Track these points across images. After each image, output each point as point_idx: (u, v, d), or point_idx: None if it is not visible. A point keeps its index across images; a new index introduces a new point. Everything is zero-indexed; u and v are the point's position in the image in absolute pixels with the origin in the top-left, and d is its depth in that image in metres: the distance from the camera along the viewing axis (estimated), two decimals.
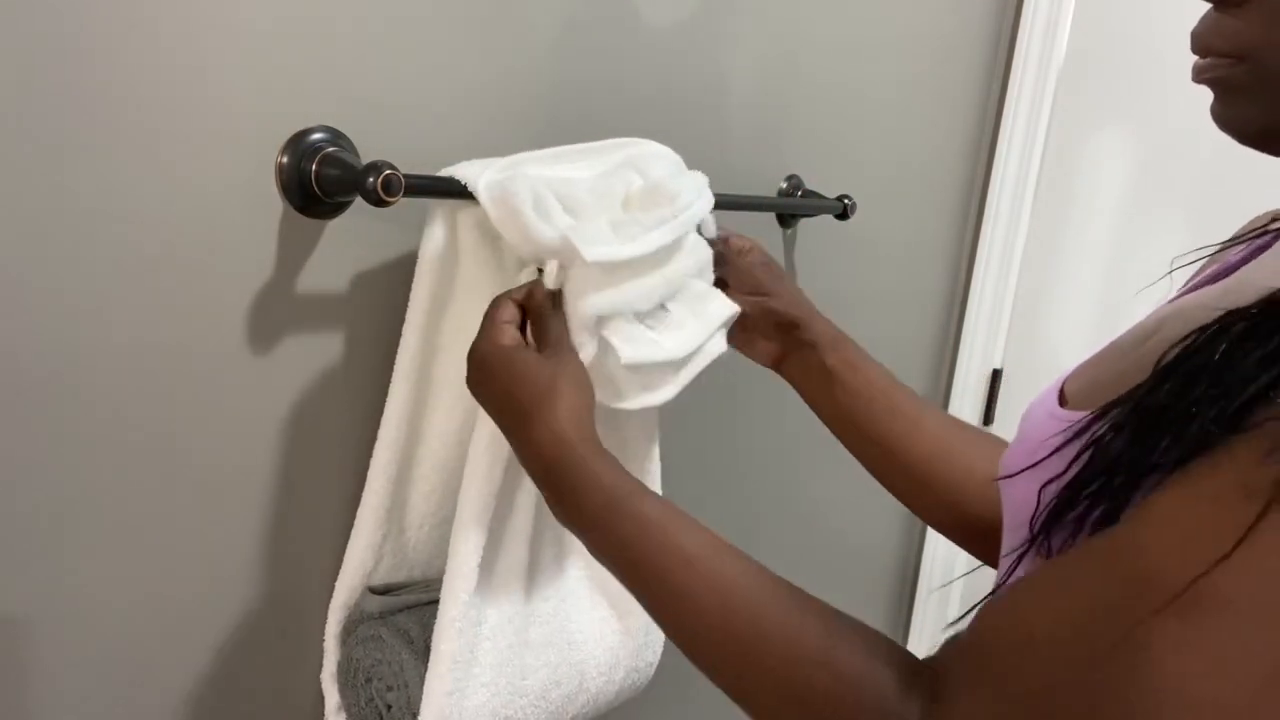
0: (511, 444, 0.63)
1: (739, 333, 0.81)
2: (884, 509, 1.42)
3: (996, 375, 1.44)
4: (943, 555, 1.48)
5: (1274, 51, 0.42)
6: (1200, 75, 0.46)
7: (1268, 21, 0.42)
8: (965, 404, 1.45)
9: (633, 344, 0.66)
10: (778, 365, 0.83)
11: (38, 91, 0.56)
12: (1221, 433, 0.36)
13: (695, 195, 0.72)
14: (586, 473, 0.57)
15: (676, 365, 0.70)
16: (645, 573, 0.54)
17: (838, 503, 1.32)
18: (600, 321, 0.66)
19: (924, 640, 1.52)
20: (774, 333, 0.81)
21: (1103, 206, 1.35)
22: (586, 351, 0.65)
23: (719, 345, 0.75)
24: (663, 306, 0.70)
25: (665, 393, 0.70)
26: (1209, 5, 0.45)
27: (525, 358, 0.62)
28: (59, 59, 0.56)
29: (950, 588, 1.49)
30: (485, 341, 0.64)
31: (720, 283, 0.78)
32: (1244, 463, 0.35)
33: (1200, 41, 0.46)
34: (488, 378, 0.63)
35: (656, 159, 0.75)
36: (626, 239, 0.65)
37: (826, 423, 0.81)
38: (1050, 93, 1.32)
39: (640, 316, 0.69)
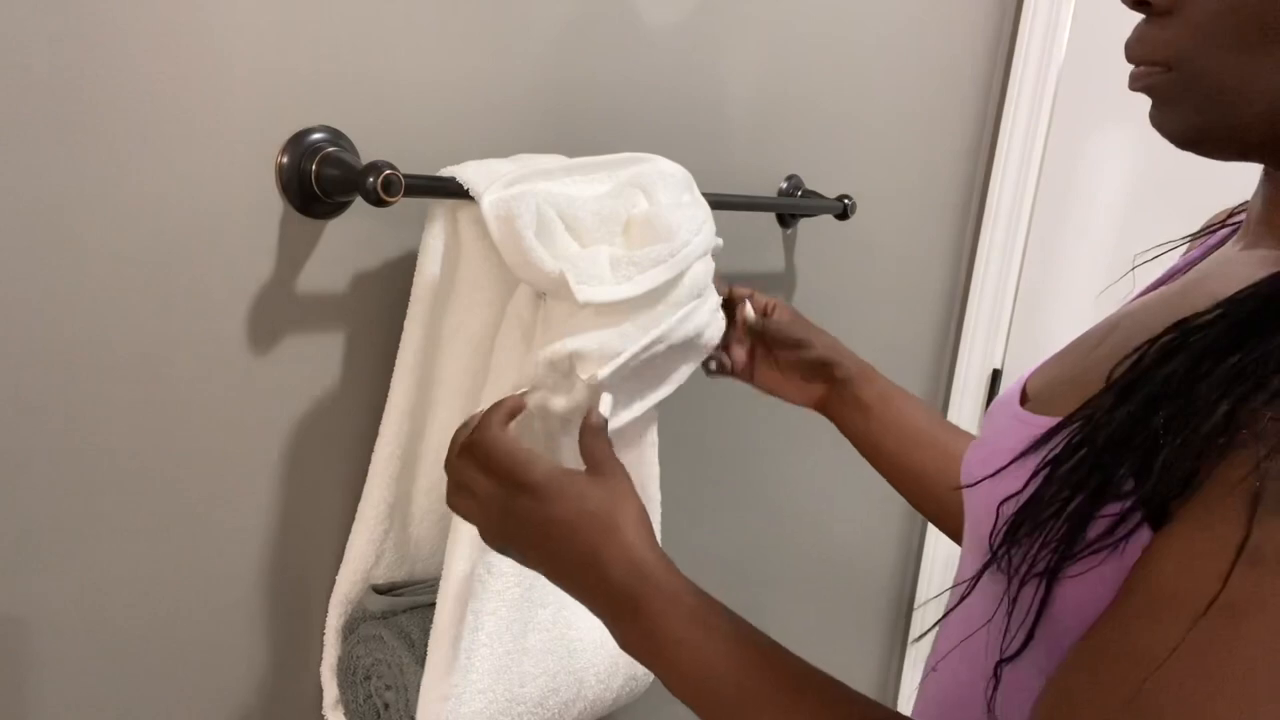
0: (572, 573, 0.56)
1: (781, 382, 0.85)
2: (883, 515, 1.42)
3: (996, 375, 1.44)
4: (943, 556, 1.48)
5: (1200, 60, 0.44)
6: (1135, 83, 0.48)
7: (1194, 31, 0.44)
8: (965, 404, 1.45)
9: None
10: (819, 406, 0.85)
11: (38, 91, 0.56)
12: (1191, 462, 0.36)
13: (694, 232, 0.70)
14: (670, 593, 0.52)
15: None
16: (731, 688, 0.50)
17: (837, 509, 1.32)
18: (580, 358, 0.65)
19: (923, 643, 1.52)
20: (813, 376, 0.84)
21: (1103, 206, 1.35)
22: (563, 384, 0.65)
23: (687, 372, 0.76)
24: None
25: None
26: (1141, 16, 0.46)
27: (581, 480, 0.57)
28: (60, 59, 0.56)
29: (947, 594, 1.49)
30: (537, 469, 0.57)
31: (753, 347, 0.84)
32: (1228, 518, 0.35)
33: (1133, 51, 0.47)
34: (544, 505, 0.56)
35: (662, 180, 0.73)
36: (622, 279, 0.65)
37: (865, 455, 0.83)
38: (1050, 93, 1.32)
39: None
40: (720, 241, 0.75)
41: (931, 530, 1.47)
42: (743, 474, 1.15)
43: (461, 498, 0.60)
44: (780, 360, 0.84)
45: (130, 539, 0.65)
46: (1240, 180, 0.61)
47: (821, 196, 1.08)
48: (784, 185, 1.08)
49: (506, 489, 0.57)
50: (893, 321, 1.32)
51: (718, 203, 0.77)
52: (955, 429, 0.81)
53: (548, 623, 0.74)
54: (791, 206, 1.09)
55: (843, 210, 1.07)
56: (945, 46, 1.25)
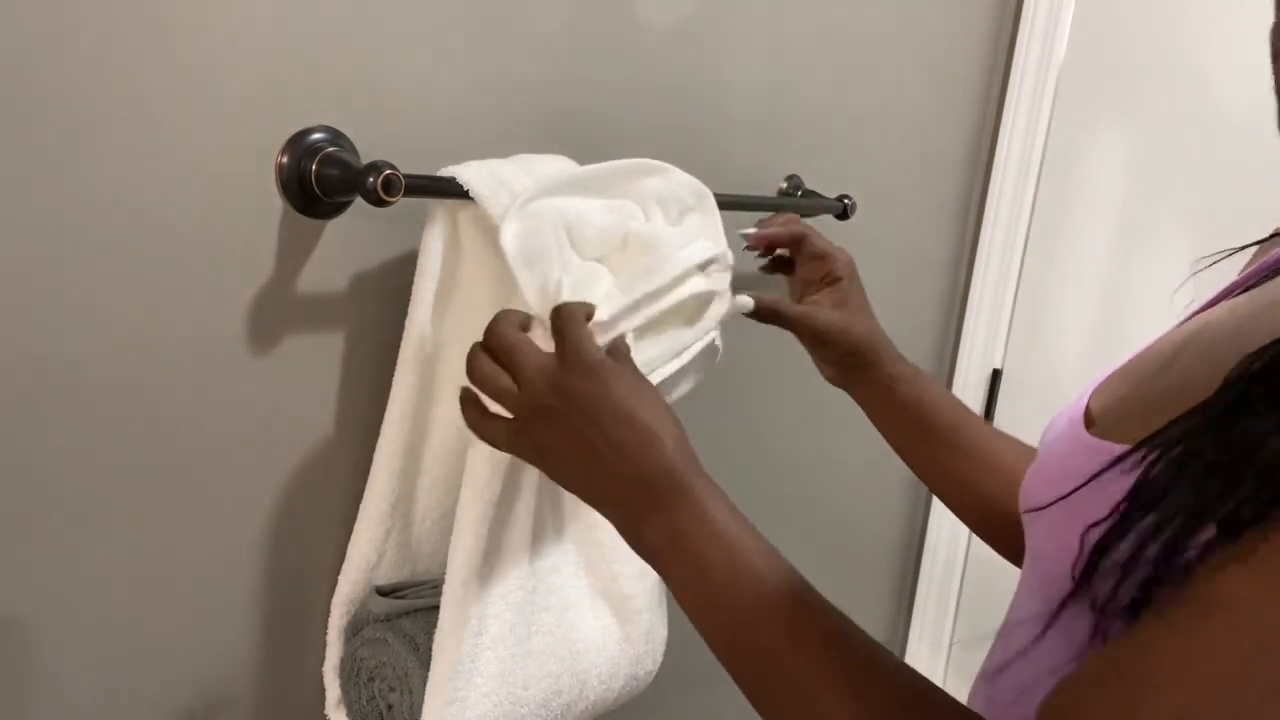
0: (606, 459, 0.54)
1: (814, 346, 0.81)
2: (889, 486, 1.42)
3: (996, 375, 1.44)
4: (947, 534, 1.48)
5: None
6: None
7: None
8: (965, 404, 1.44)
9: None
10: (844, 386, 0.83)
11: (38, 91, 0.56)
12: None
13: (678, 248, 0.69)
14: (704, 506, 0.52)
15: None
16: (751, 634, 0.50)
17: (842, 480, 1.32)
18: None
19: (928, 614, 1.52)
20: (846, 359, 0.81)
21: (1103, 206, 1.35)
22: None
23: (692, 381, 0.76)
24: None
25: None
26: None
27: (636, 374, 0.57)
28: (59, 59, 0.56)
29: (953, 566, 1.48)
30: (588, 350, 0.56)
31: (802, 279, 0.82)
32: None
33: (1277, 44, 0.42)
34: (600, 385, 0.55)
35: (660, 199, 0.72)
36: (604, 299, 0.65)
37: (896, 450, 0.81)
38: (1050, 93, 1.32)
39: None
40: (718, 253, 0.73)
41: (935, 508, 1.47)
42: (747, 442, 1.15)
43: (490, 383, 0.58)
44: (822, 317, 0.80)
45: (129, 539, 0.65)
46: (1241, 179, 0.61)
47: (821, 196, 1.08)
48: (784, 185, 1.08)
49: (560, 366, 0.56)
50: (893, 322, 1.31)
51: (718, 203, 0.77)
52: (1000, 436, 0.79)
53: (550, 625, 0.74)
54: (791, 206, 1.08)
55: (843, 210, 1.07)
56: (945, 46, 1.25)
